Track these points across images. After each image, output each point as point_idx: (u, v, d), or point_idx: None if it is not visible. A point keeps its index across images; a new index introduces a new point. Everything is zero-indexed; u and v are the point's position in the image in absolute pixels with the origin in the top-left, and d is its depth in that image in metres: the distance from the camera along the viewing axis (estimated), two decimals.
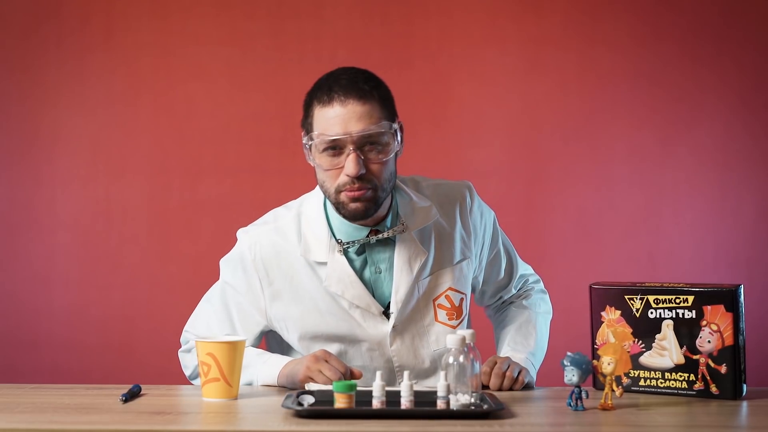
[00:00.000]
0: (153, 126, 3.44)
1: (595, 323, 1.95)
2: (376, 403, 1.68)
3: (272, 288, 2.05)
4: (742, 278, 3.27)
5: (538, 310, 2.24)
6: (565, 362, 1.73)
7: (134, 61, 3.43)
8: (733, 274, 3.33)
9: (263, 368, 2.03)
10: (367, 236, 2.02)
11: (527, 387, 2.01)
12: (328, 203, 2.03)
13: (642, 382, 1.92)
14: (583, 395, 1.74)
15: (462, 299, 2.09)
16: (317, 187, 2.07)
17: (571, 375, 1.72)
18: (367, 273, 2.04)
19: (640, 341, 1.91)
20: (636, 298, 1.91)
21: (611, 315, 1.94)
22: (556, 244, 3.42)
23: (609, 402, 1.75)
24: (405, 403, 1.69)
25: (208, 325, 2.12)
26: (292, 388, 1.97)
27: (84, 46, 3.43)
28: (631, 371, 1.92)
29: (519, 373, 1.98)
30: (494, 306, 2.30)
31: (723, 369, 1.85)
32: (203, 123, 3.44)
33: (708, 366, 1.86)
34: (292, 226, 2.06)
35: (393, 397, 1.70)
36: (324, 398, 1.76)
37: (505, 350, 2.13)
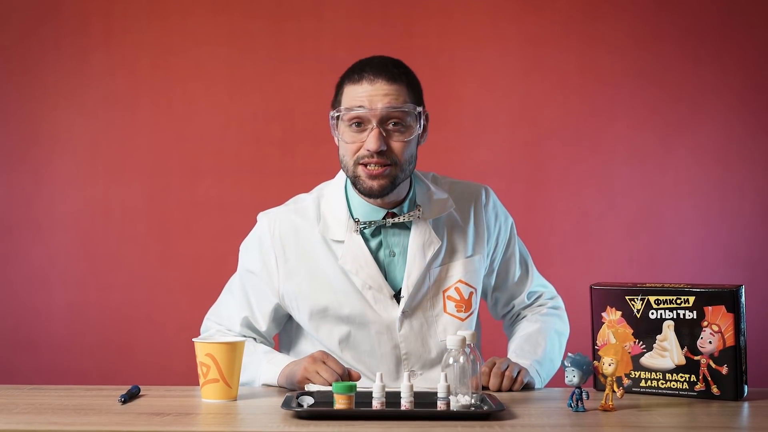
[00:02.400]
0: (152, 126, 3.43)
1: (596, 324, 1.95)
2: (376, 404, 1.68)
3: (287, 266, 2.08)
4: (743, 278, 3.27)
5: (551, 326, 2.22)
6: (566, 363, 1.73)
7: (134, 62, 3.43)
8: (734, 275, 3.33)
9: (267, 366, 2.04)
10: (384, 218, 2.05)
11: (528, 387, 2.00)
12: (349, 185, 2.08)
13: (643, 383, 1.91)
14: (584, 396, 1.74)
15: (471, 293, 2.10)
16: (338, 174, 2.13)
17: (572, 376, 1.72)
18: (381, 255, 2.07)
19: (641, 342, 1.91)
20: (637, 299, 1.91)
21: (612, 316, 1.93)
22: (557, 244, 3.42)
23: (610, 403, 1.74)
24: (405, 404, 1.69)
25: (228, 312, 2.16)
26: (291, 388, 1.97)
27: (83, 46, 3.43)
28: (632, 372, 1.91)
29: (518, 373, 1.98)
30: (509, 317, 2.30)
31: (724, 370, 1.85)
32: (203, 123, 3.43)
33: (709, 367, 1.86)
34: (311, 207, 2.11)
35: (393, 398, 1.70)
36: (324, 399, 1.76)
37: (510, 357, 2.13)
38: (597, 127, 3.42)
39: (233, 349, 1.83)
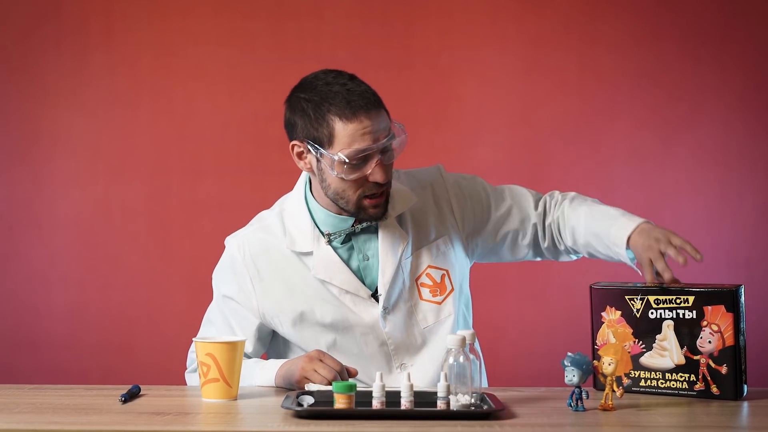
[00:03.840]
0: (153, 126, 3.43)
1: (596, 324, 1.95)
2: (376, 404, 1.68)
3: (263, 284, 2.09)
4: (742, 278, 3.27)
5: (585, 202, 2.15)
6: (566, 362, 1.73)
7: (134, 62, 3.43)
8: (733, 275, 3.33)
9: (261, 372, 2.04)
10: (352, 226, 2.07)
11: None
12: (310, 199, 2.10)
13: (642, 383, 1.91)
14: (584, 396, 1.74)
15: (443, 275, 2.12)
16: (295, 188, 2.16)
17: (572, 375, 1.72)
18: (354, 261, 2.09)
19: (641, 342, 1.91)
20: (636, 299, 1.91)
21: (611, 315, 1.93)
22: None
23: (609, 402, 1.74)
24: (405, 403, 1.69)
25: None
26: (289, 389, 1.97)
27: (84, 46, 3.43)
28: (632, 372, 1.91)
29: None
30: (548, 235, 2.18)
31: (724, 369, 1.85)
32: (203, 123, 3.43)
33: (709, 366, 1.86)
34: (276, 222, 2.12)
35: (393, 398, 1.70)
36: (324, 398, 1.76)
37: (620, 222, 2.02)
38: (597, 126, 3.42)
39: (233, 349, 1.84)
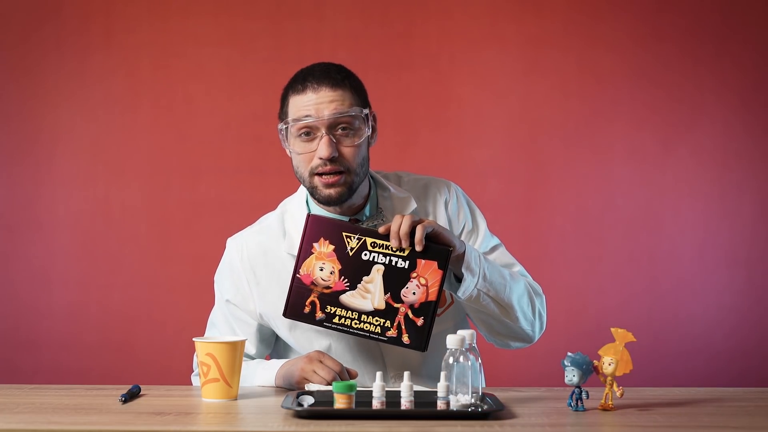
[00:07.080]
0: (153, 126, 3.44)
1: (304, 252, 1.92)
2: (376, 404, 1.68)
3: (260, 287, 2.10)
4: (742, 278, 3.27)
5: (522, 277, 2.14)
6: (566, 362, 1.73)
7: (134, 62, 3.43)
8: (733, 275, 3.33)
9: (263, 372, 2.05)
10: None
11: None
12: (310, 198, 2.09)
13: (336, 320, 1.90)
14: (584, 396, 1.74)
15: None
16: (298, 189, 2.15)
17: (572, 375, 1.72)
18: None
19: (346, 279, 1.90)
20: (353, 237, 1.90)
21: (323, 248, 1.91)
22: (556, 244, 3.42)
23: (609, 402, 1.75)
24: (405, 403, 1.69)
25: None
26: (289, 389, 1.97)
27: (84, 46, 3.43)
28: (329, 307, 1.90)
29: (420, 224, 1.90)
30: None
31: (420, 321, 1.88)
32: (203, 123, 3.43)
33: (406, 316, 1.88)
34: (276, 224, 2.12)
35: (393, 398, 1.70)
36: (324, 399, 1.77)
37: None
38: (597, 127, 3.43)
39: (234, 349, 1.84)
